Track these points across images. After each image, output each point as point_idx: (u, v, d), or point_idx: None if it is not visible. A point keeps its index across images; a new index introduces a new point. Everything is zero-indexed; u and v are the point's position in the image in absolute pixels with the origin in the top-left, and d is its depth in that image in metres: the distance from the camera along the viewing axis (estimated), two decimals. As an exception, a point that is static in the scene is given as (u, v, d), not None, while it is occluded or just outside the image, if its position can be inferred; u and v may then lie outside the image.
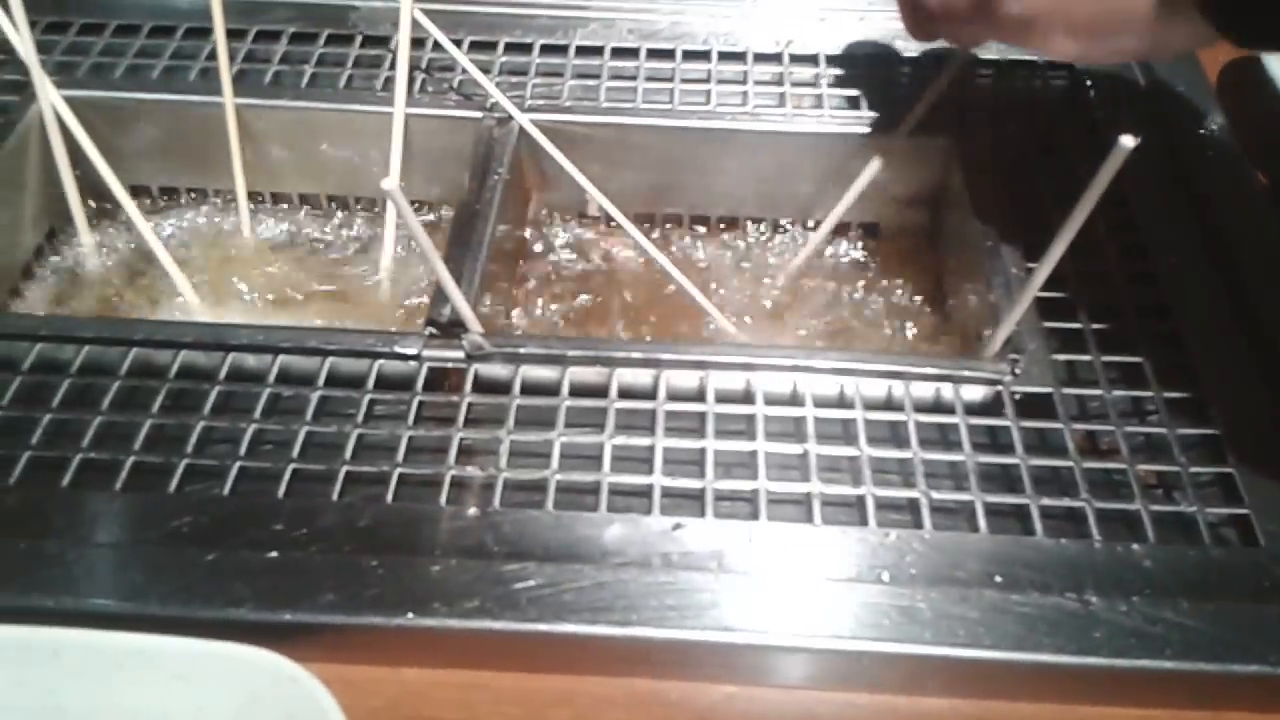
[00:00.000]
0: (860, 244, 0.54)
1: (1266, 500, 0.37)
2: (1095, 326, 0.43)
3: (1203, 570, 0.35)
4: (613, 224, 0.51)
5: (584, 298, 0.50)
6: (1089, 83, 0.53)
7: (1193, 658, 0.33)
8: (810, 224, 0.54)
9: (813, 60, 0.55)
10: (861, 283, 0.52)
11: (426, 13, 0.52)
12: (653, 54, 0.55)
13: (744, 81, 0.54)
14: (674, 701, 0.35)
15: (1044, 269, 0.37)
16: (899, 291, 0.51)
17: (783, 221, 0.55)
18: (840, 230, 0.54)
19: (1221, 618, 0.34)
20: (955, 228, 0.50)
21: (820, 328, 0.50)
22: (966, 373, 0.40)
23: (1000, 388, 0.40)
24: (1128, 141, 0.32)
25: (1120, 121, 0.52)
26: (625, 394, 0.40)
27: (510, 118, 0.50)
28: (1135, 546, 0.36)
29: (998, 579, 0.34)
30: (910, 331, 0.49)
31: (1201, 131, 0.51)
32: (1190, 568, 0.35)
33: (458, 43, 0.54)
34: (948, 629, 0.33)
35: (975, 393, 0.41)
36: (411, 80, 0.52)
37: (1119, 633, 0.33)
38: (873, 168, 0.49)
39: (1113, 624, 0.33)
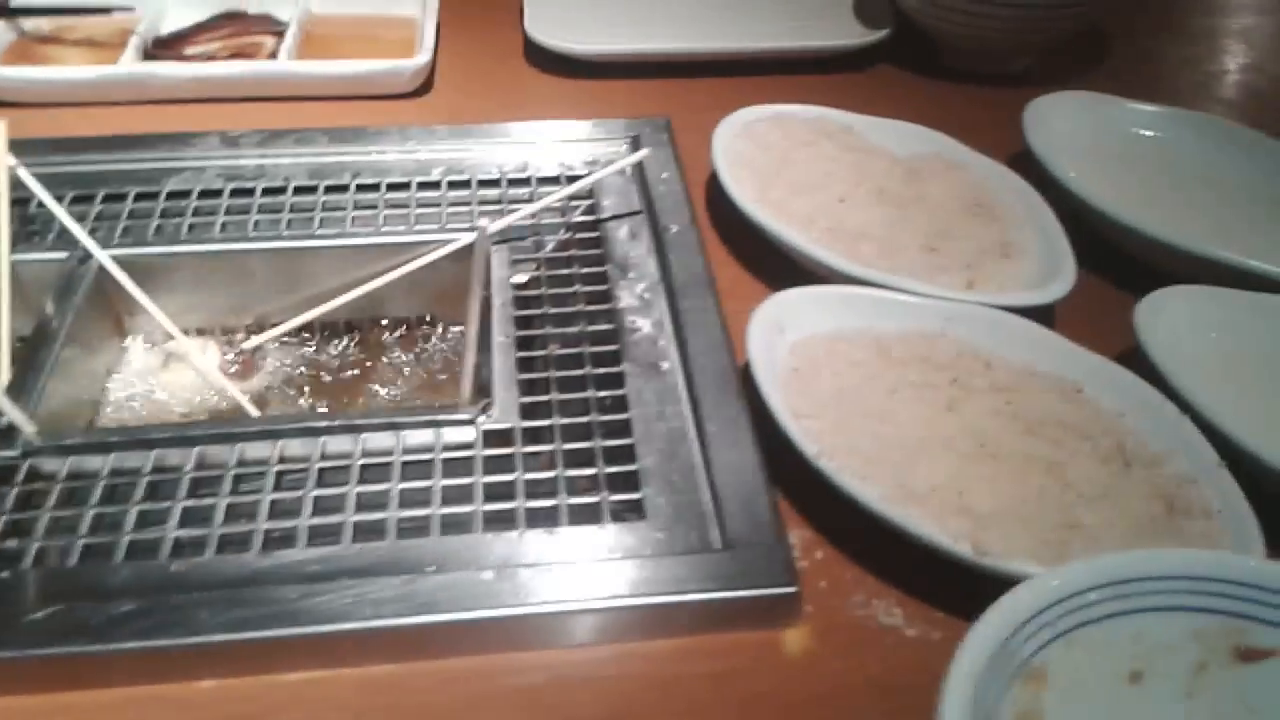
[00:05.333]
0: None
1: (655, 487, 0.48)
2: (559, 374, 0.54)
3: (603, 540, 0.46)
4: (194, 334, 0.60)
5: (162, 395, 0.59)
6: (604, 203, 0.66)
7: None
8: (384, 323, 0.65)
9: (375, 188, 0.67)
10: (410, 363, 0.63)
11: (38, 174, 0.61)
12: (235, 193, 0.66)
13: (314, 209, 0.65)
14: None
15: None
16: (435, 365, 0.62)
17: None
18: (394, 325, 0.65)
19: (614, 571, 0.44)
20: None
21: (375, 400, 0.60)
22: (444, 417, 0.51)
23: (474, 426, 0.51)
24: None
25: (620, 226, 0.64)
26: (158, 469, 0.49)
27: (90, 255, 0.59)
28: (555, 530, 0.46)
29: (430, 568, 0.44)
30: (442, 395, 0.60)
31: (675, 228, 0.64)
32: (594, 541, 0.46)
33: (60, 198, 0.62)
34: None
35: (458, 432, 0.51)
36: (19, 232, 0.60)
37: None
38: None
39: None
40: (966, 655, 0.35)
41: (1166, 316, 0.55)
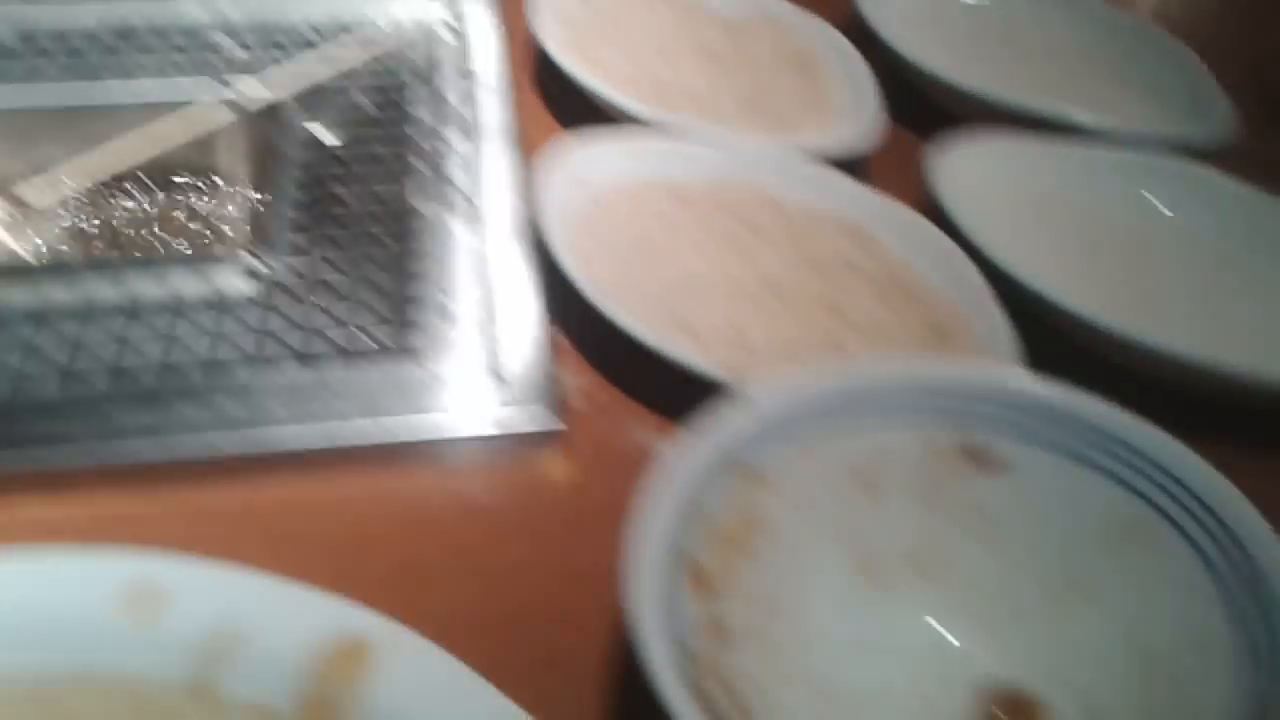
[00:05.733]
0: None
1: (431, 328, 0.47)
2: (348, 224, 0.52)
3: (369, 376, 0.45)
4: None
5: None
6: (417, 58, 0.64)
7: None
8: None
9: (170, 44, 0.63)
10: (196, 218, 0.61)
11: None
12: (27, 51, 0.62)
13: (104, 65, 0.62)
14: None
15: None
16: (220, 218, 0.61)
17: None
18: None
19: (377, 405, 0.44)
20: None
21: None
22: (212, 260, 0.49)
23: (246, 272, 0.49)
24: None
25: (431, 82, 0.63)
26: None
27: None
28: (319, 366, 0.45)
29: (179, 403, 0.43)
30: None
31: (488, 85, 0.62)
32: (359, 377, 0.45)
33: None
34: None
35: (228, 277, 0.49)
36: None
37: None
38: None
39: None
40: (679, 456, 0.34)
41: (958, 160, 0.55)
